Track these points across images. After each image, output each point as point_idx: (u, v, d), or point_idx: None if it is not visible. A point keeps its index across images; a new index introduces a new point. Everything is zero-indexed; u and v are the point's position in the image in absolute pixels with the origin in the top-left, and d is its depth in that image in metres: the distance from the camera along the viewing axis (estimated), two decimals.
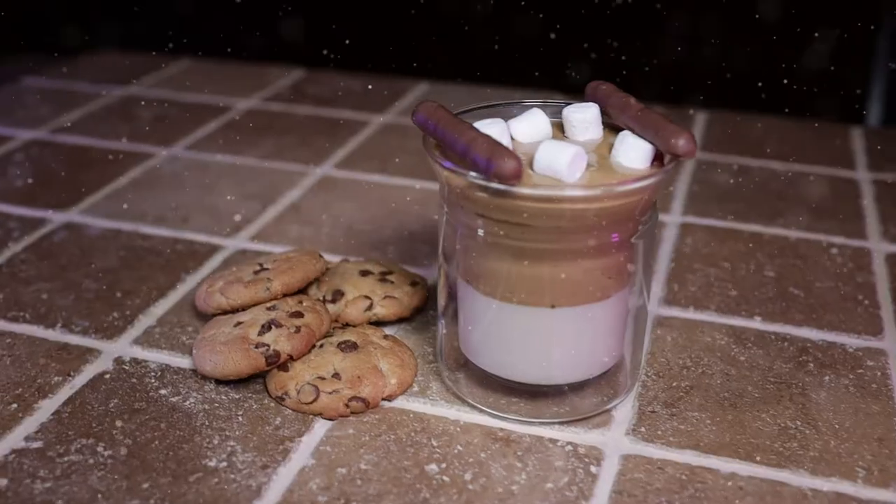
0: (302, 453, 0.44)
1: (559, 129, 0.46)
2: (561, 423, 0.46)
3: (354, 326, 0.51)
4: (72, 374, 0.49)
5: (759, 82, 0.85)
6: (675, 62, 0.87)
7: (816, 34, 0.84)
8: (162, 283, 0.57)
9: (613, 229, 0.42)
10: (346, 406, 0.46)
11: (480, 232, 0.43)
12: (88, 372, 0.49)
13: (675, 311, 0.55)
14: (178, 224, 0.65)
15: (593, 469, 0.43)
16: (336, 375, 0.47)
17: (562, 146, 0.41)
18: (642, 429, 0.46)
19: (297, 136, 0.80)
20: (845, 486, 0.42)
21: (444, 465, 0.43)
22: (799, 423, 0.46)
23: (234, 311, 0.51)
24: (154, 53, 0.98)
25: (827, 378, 0.49)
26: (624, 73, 0.84)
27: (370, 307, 0.52)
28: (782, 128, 0.82)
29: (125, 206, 0.67)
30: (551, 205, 0.40)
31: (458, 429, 0.45)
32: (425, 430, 0.45)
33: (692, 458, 0.44)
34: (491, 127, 0.43)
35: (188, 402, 0.47)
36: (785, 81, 0.83)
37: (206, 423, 0.46)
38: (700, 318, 0.54)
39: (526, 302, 0.44)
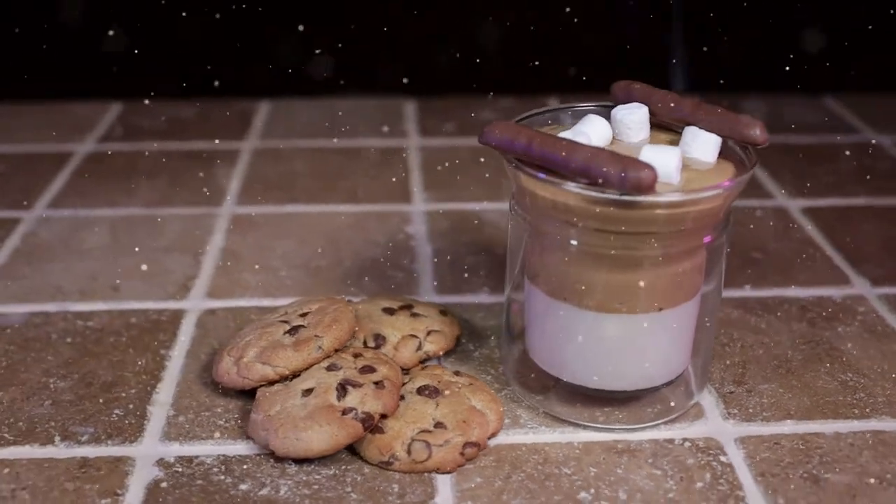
0: None
1: None
2: (665, 423, 0.46)
3: (408, 370, 0.48)
4: (119, 492, 0.41)
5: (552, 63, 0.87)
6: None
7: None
8: (146, 365, 0.50)
9: (713, 226, 0.43)
10: (462, 454, 0.43)
11: (574, 241, 0.42)
12: (137, 485, 0.42)
13: None
14: (109, 294, 0.56)
15: (724, 459, 0.44)
16: (439, 425, 0.43)
17: (664, 150, 0.41)
18: (734, 410, 0.47)
19: (168, 176, 0.72)
20: None
21: (592, 491, 0.42)
22: (850, 374, 0.50)
23: (283, 379, 0.45)
24: None
25: (840, 329, 0.54)
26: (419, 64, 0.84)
27: (419, 346, 0.49)
28: None
29: (29, 283, 0.57)
30: (686, 209, 0.40)
31: (578, 451, 0.44)
32: (548, 460, 0.44)
33: (794, 427, 0.46)
34: (577, 137, 0.42)
35: (283, 493, 0.41)
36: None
37: None
38: None
39: (634, 310, 0.43)
